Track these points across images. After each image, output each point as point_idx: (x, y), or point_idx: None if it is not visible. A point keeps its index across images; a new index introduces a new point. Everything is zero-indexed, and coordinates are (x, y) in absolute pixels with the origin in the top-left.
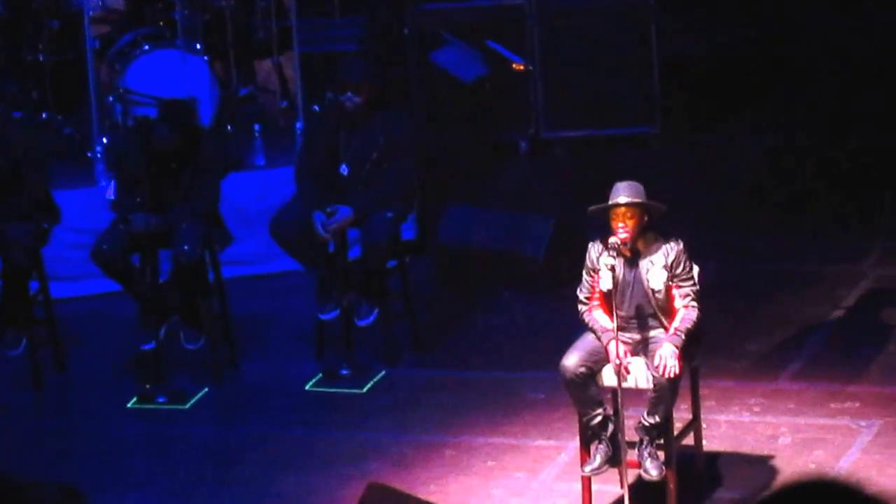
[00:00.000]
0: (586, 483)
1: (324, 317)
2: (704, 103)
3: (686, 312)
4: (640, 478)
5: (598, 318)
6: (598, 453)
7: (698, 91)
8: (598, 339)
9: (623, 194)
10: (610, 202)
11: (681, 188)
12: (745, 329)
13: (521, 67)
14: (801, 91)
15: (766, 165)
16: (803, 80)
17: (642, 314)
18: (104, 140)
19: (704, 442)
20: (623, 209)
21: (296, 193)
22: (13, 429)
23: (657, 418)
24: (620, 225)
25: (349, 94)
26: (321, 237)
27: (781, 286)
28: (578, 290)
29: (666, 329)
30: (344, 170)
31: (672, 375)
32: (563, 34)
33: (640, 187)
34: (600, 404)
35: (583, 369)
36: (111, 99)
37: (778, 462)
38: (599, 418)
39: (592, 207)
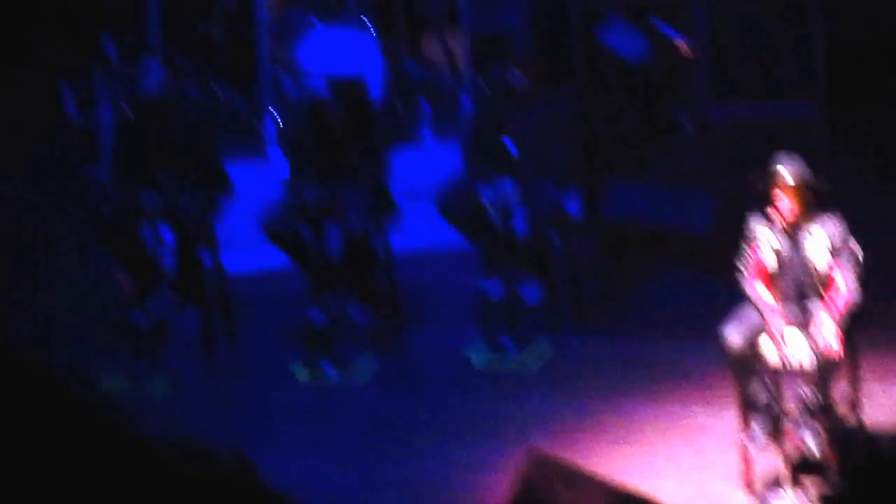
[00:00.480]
0: (746, 456)
1: (489, 289)
2: (870, 79)
3: (846, 287)
4: (799, 452)
5: (759, 291)
6: (758, 427)
7: (864, 67)
8: (760, 312)
9: (786, 171)
10: (773, 179)
11: (843, 164)
12: None
13: (685, 46)
14: None
15: None
16: None
17: (803, 288)
18: (274, 114)
19: (864, 416)
20: (786, 186)
21: (463, 168)
22: (186, 397)
23: (817, 393)
24: (782, 201)
25: (516, 70)
26: (488, 209)
27: None
28: (740, 263)
29: (826, 303)
30: (510, 145)
31: (831, 350)
32: (726, 12)
33: (804, 163)
34: (761, 378)
35: (744, 342)
36: (282, 74)
37: None
38: (760, 392)
39: (754, 181)
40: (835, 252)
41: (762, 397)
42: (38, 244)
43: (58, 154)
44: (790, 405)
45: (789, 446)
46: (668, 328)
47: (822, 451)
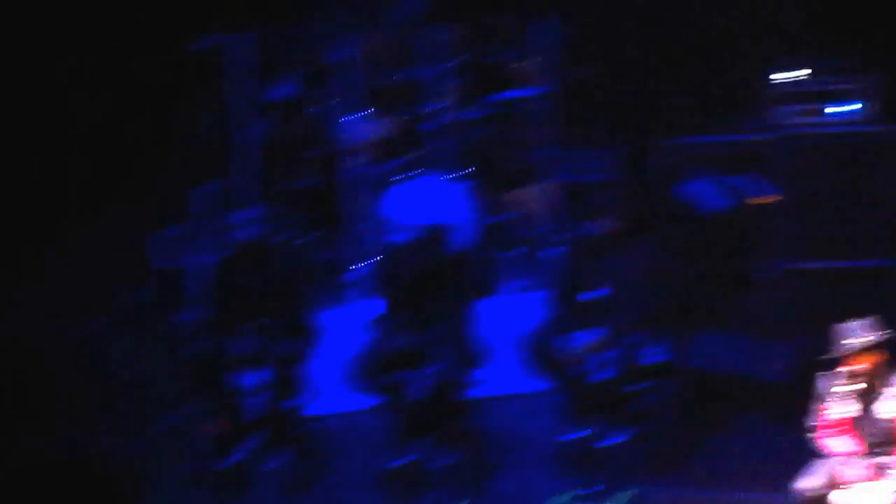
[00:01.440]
0: None
1: (573, 436)
2: None
3: None
4: None
5: (833, 445)
6: None
7: None
8: (833, 465)
9: (859, 333)
10: (845, 342)
11: None
12: None
13: (765, 200)
14: None
15: None
16: None
17: (878, 441)
18: (364, 263)
19: None
20: (862, 353)
21: (550, 316)
22: None
23: None
24: (858, 357)
25: (598, 219)
26: (574, 357)
27: None
28: (815, 417)
29: None
30: (595, 294)
31: None
32: (804, 168)
33: (876, 324)
34: None
35: (819, 492)
36: (370, 224)
37: None
38: None
39: (832, 337)
40: None
41: None
42: (129, 388)
43: (144, 301)
44: None
45: None
46: (750, 477)
47: None
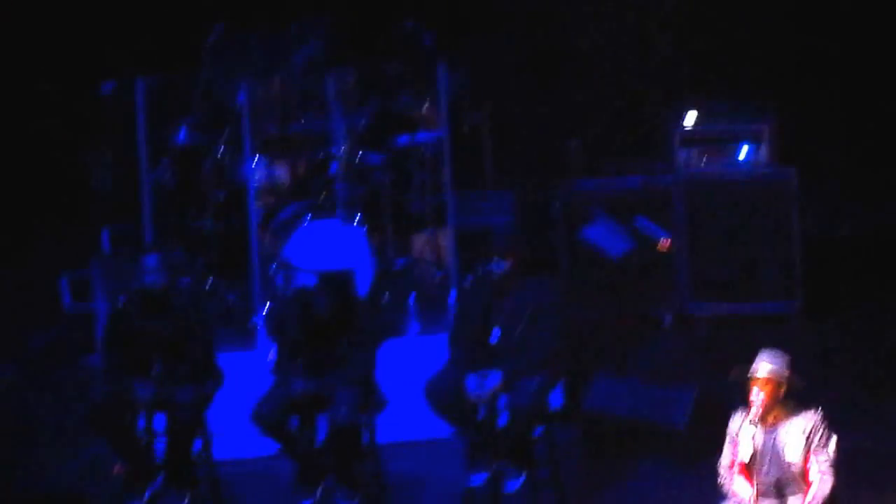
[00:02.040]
0: None
1: (473, 482)
2: (847, 281)
3: (822, 482)
4: None
5: (737, 487)
6: None
7: (841, 268)
8: None
9: (764, 361)
10: (751, 375)
11: (822, 363)
12: (880, 500)
13: (667, 243)
14: None
15: None
16: None
17: (780, 482)
18: (266, 307)
19: None
20: (760, 379)
21: (449, 360)
22: None
23: None
24: (755, 394)
25: (496, 260)
26: (473, 401)
27: None
28: (720, 459)
29: (803, 497)
30: (495, 336)
31: None
32: (708, 211)
33: (783, 358)
34: None
35: None
36: (273, 268)
37: None
38: None
39: (732, 374)
40: (811, 445)
41: None
42: (34, 432)
43: (54, 343)
44: None
45: None
46: None
47: None
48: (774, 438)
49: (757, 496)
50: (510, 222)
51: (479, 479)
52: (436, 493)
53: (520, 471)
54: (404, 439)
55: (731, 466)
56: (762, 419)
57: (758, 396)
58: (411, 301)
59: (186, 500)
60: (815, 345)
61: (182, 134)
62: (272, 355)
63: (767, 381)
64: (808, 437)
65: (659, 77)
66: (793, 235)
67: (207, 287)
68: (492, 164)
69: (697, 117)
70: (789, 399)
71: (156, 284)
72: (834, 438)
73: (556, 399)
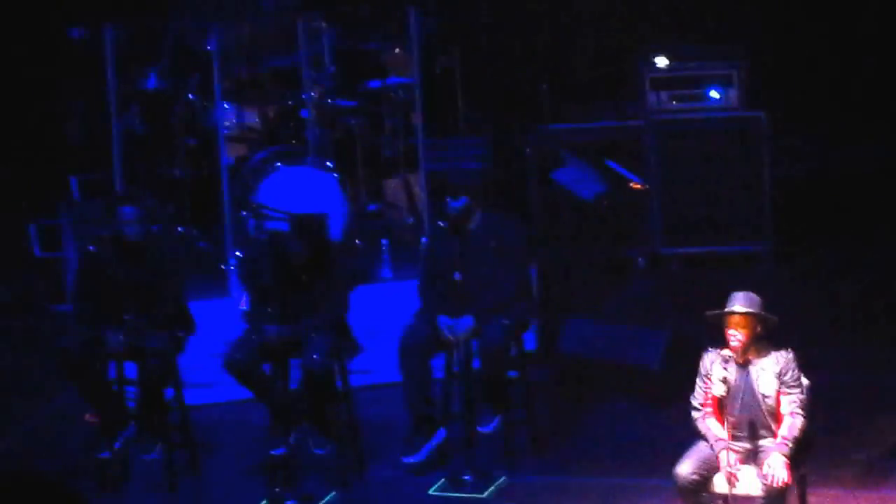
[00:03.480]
0: None
1: (440, 435)
2: (816, 222)
3: (793, 421)
4: None
5: (710, 426)
6: None
7: (810, 209)
8: (711, 447)
9: (738, 304)
10: (726, 310)
11: (792, 303)
12: (851, 438)
13: (639, 186)
14: None
15: (876, 281)
16: None
17: (753, 422)
18: (237, 253)
19: None
20: (737, 318)
21: (420, 309)
22: None
23: None
24: (733, 333)
25: (448, 198)
26: (448, 339)
27: (889, 398)
28: (692, 398)
29: (775, 436)
30: (457, 277)
31: (780, 484)
32: (678, 154)
33: (757, 298)
34: None
35: (695, 476)
36: (244, 214)
37: None
38: None
39: (709, 313)
40: (783, 384)
41: None
42: (4, 380)
43: (24, 292)
44: None
45: None
46: (624, 463)
47: None
48: (747, 377)
49: (729, 436)
50: (482, 167)
51: (451, 422)
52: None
53: (495, 413)
54: (378, 383)
55: (704, 405)
56: (736, 357)
57: (732, 335)
58: (383, 246)
59: (159, 448)
60: (785, 284)
61: (151, 80)
62: (244, 302)
63: (742, 320)
64: (779, 377)
65: (629, 21)
66: (763, 177)
67: (179, 234)
68: (463, 110)
69: (668, 61)
70: (762, 339)
71: (134, 235)
72: (805, 379)
73: (529, 342)
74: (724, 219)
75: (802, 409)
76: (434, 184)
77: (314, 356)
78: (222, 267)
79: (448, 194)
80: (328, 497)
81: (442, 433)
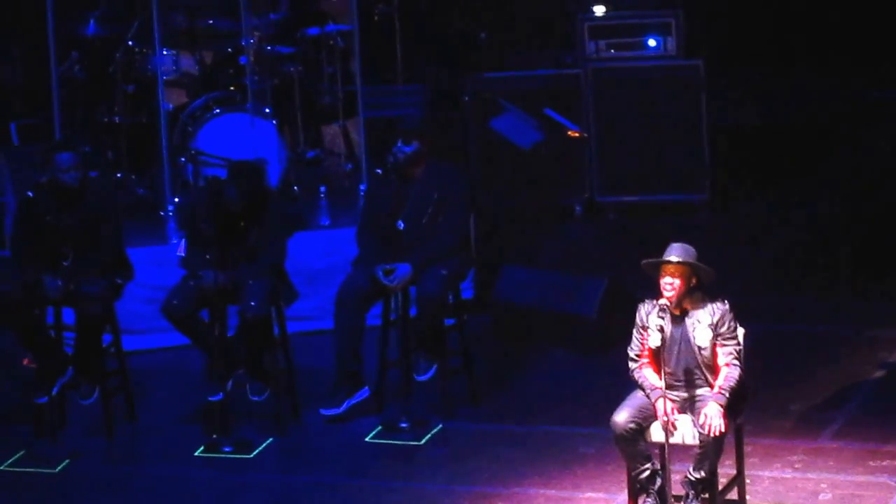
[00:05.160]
0: None
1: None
2: (754, 171)
3: (729, 371)
4: None
5: (647, 375)
6: None
7: (748, 158)
8: (647, 396)
9: (674, 254)
10: (661, 259)
11: (729, 253)
12: (787, 389)
13: (577, 134)
14: (852, 160)
15: (813, 232)
16: (855, 149)
17: (689, 372)
18: (175, 200)
19: (748, 497)
20: (672, 268)
21: (357, 257)
22: (85, 475)
23: (702, 473)
24: (668, 282)
25: (399, 143)
26: (386, 287)
27: (825, 348)
28: (629, 348)
29: (711, 387)
30: (400, 225)
31: (717, 433)
32: (616, 102)
33: (692, 250)
34: (648, 459)
35: (632, 425)
36: (183, 160)
37: None
38: (647, 472)
39: (645, 261)
40: (718, 334)
41: (650, 477)
42: None
43: None
44: (676, 484)
45: None
46: (560, 411)
47: None
48: (683, 328)
49: (665, 386)
50: (422, 114)
51: (385, 369)
52: None
53: (431, 361)
54: (316, 329)
55: (641, 356)
56: (672, 308)
57: (669, 285)
58: (322, 193)
59: (96, 393)
60: (722, 233)
61: (91, 26)
62: (182, 248)
63: (677, 269)
64: (715, 328)
65: None
66: (700, 126)
67: (117, 180)
68: (402, 57)
69: (605, 9)
70: (697, 290)
71: (72, 181)
72: (741, 329)
73: (466, 289)
74: (661, 168)
75: (739, 360)
76: (373, 131)
77: (251, 303)
78: (160, 213)
79: (399, 138)
80: (265, 443)
81: (365, 392)
